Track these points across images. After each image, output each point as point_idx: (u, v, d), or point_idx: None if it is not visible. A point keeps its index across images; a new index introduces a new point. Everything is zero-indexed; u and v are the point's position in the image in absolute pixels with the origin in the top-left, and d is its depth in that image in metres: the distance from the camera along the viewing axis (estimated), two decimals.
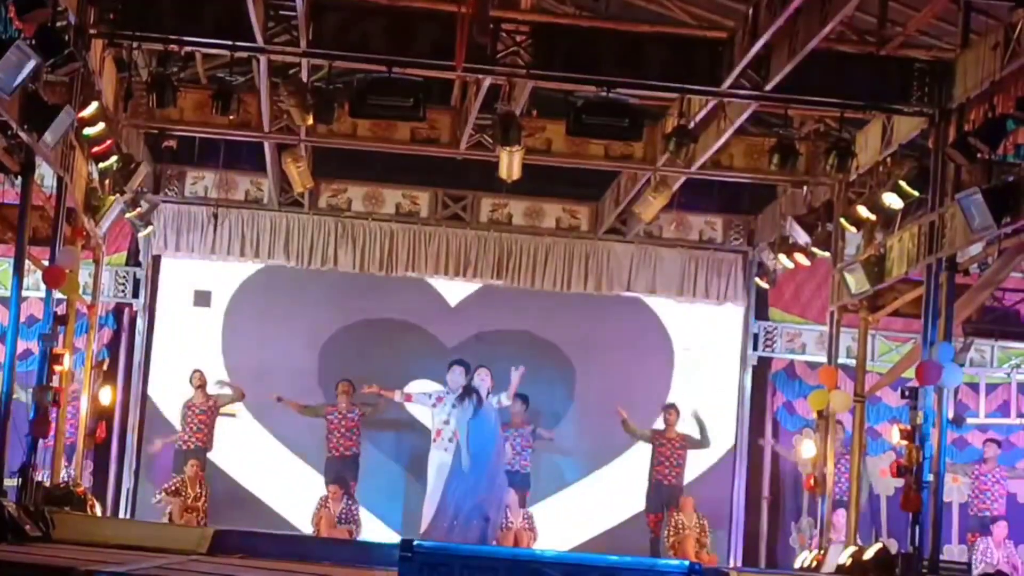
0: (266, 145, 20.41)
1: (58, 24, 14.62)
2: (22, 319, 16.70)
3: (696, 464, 21.54)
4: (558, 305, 22.73)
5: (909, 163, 17.45)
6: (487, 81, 17.45)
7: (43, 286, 16.98)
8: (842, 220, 18.88)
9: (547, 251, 22.72)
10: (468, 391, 18.97)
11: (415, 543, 10.14)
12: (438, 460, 19.56)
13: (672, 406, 21.06)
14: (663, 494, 20.56)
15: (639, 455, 21.59)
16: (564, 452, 22.24)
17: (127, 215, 20.01)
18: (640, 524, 21.22)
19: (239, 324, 22.56)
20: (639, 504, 21.30)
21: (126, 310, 22.48)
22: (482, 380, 19.11)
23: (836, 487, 19.61)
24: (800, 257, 19.96)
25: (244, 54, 17.16)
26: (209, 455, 21.04)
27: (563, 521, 21.76)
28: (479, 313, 22.81)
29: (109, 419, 21.08)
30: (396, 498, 22.15)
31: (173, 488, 20.25)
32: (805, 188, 20.40)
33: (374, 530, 21.24)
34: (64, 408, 17.91)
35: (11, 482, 16.10)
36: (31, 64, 13.50)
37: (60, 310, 17.52)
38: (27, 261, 16.06)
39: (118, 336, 22.39)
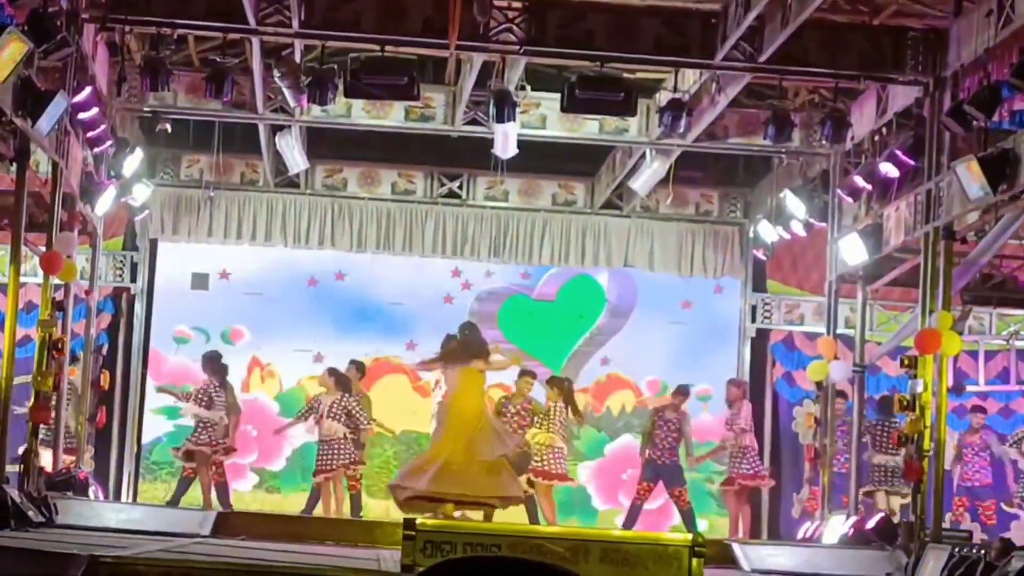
0: (261, 127, 20.38)
1: (50, 9, 14.60)
2: (20, 305, 16.68)
3: (698, 437, 21.47)
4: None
5: (904, 132, 17.43)
6: (480, 58, 17.42)
7: (41, 272, 17.00)
8: (838, 190, 18.88)
9: (544, 228, 22.71)
10: None
11: (417, 522, 10.18)
12: None
13: (684, 388, 20.79)
14: (657, 471, 20.44)
15: None
16: None
17: (123, 199, 19.98)
18: None
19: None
20: None
21: (124, 294, 22.47)
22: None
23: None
24: (797, 228, 19.94)
25: (237, 36, 17.14)
26: None
27: None
28: None
29: (109, 404, 21.09)
30: None
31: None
32: (801, 159, 20.41)
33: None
34: (63, 394, 17.93)
35: (13, 468, 16.15)
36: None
37: (58, 296, 17.51)
38: (24, 247, 16.06)
39: (116, 320, 22.38)
